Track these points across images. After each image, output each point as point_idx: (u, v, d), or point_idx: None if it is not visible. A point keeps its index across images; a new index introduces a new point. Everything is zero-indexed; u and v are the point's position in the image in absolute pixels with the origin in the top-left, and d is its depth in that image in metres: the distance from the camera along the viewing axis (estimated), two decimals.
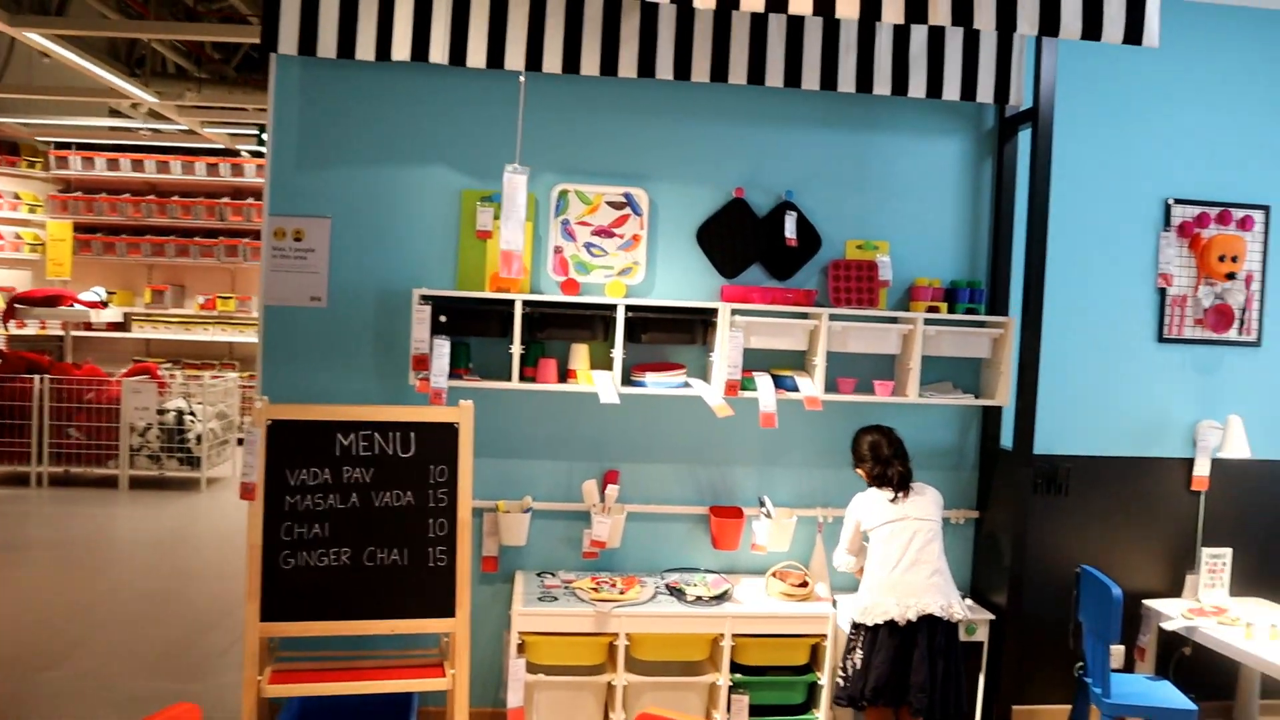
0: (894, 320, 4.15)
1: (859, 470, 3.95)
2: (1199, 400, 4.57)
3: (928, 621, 3.63)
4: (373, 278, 4.06)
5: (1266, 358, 4.60)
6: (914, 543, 3.73)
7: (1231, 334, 4.54)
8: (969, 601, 4.25)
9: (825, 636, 3.93)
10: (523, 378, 3.95)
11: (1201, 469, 4.53)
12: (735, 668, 3.89)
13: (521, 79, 3.78)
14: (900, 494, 3.79)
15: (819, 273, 4.29)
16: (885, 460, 3.86)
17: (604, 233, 4.16)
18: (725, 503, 4.31)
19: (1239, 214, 4.50)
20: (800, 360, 4.25)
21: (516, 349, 3.89)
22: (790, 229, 4.19)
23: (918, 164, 4.33)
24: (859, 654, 3.69)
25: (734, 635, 3.86)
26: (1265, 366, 4.61)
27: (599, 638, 3.81)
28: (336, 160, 4.03)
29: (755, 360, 4.16)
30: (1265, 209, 4.54)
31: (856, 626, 3.72)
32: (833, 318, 4.07)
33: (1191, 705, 3.87)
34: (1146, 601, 4.45)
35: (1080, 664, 4.19)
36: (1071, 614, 4.24)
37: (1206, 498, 4.60)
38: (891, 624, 3.62)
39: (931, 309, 4.17)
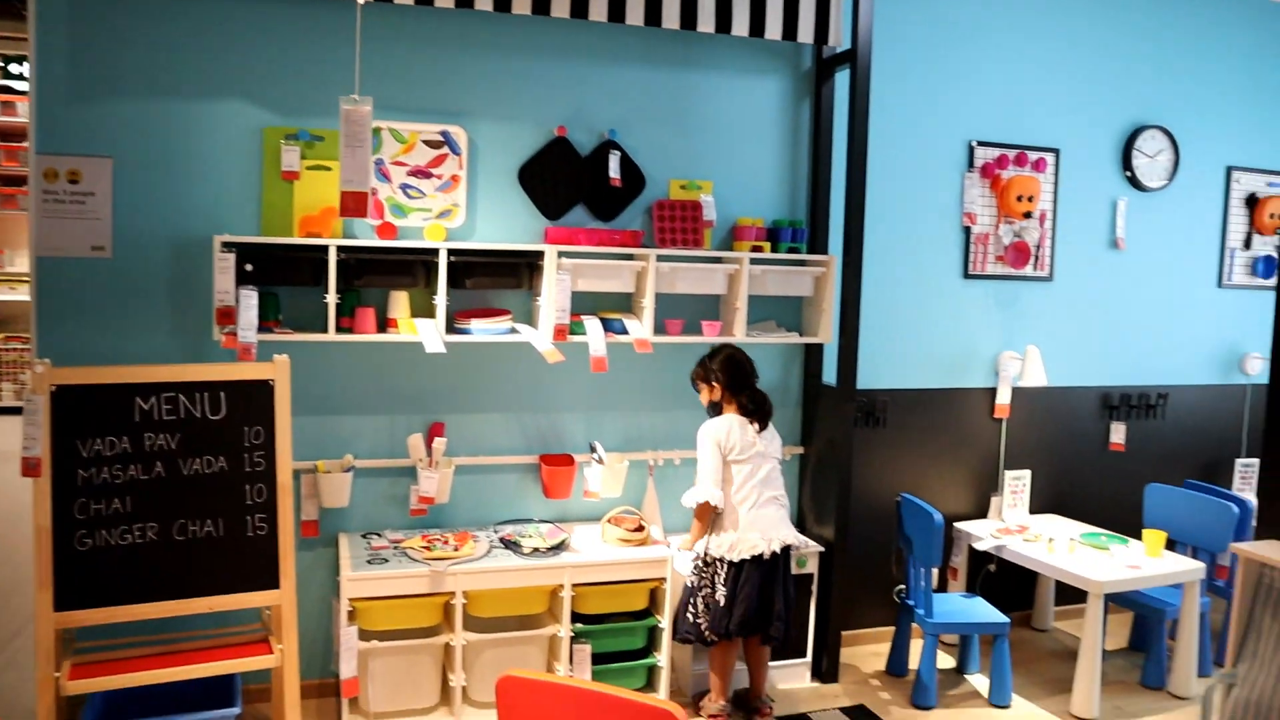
0: (719, 260, 4.14)
1: (709, 393, 3.87)
2: (1001, 333, 4.83)
3: (783, 553, 3.71)
4: (166, 224, 3.67)
5: (1058, 291, 4.91)
6: (771, 476, 3.77)
7: (1028, 270, 4.81)
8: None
9: (664, 580, 3.92)
10: (339, 328, 3.69)
11: (1003, 397, 4.80)
12: (575, 618, 3.83)
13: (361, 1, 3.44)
14: (762, 427, 3.81)
15: (643, 213, 4.22)
16: (747, 382, 3.84)
17: (421, 173, 3.92)
18: (556, 450, 4.22)
19: (1033, 156, 4.76)
20: (628, 303, 4.18)
21: (332, 298, 3.62)
22: (614, 169, 4.09)
23: (739, 103, 4.32)
24: (721, 589, 3.70)
25: (573, 585, 3.79)
26: (1057, 300, 4.92)
27: (434, 598, 3.65)
28: (117, 93, 3.59)
29: (583, 304, 4.06)
30: (1055, 152, 4.81)
31: (715, 562, 3.72)
32: (660, 259, 4.02)
33: (1004, 617, 4.12)
34: (958, 524, 4.70)
35: (900, 587, 4.38)
36: (894, 541, 4.42)
37: (1008, 424, 4.88)
38: (758, 558, 3.66)
39: (755, 249, 4.19)
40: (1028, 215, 4.70)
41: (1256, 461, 5.42)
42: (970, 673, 4.44)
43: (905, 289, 4.62)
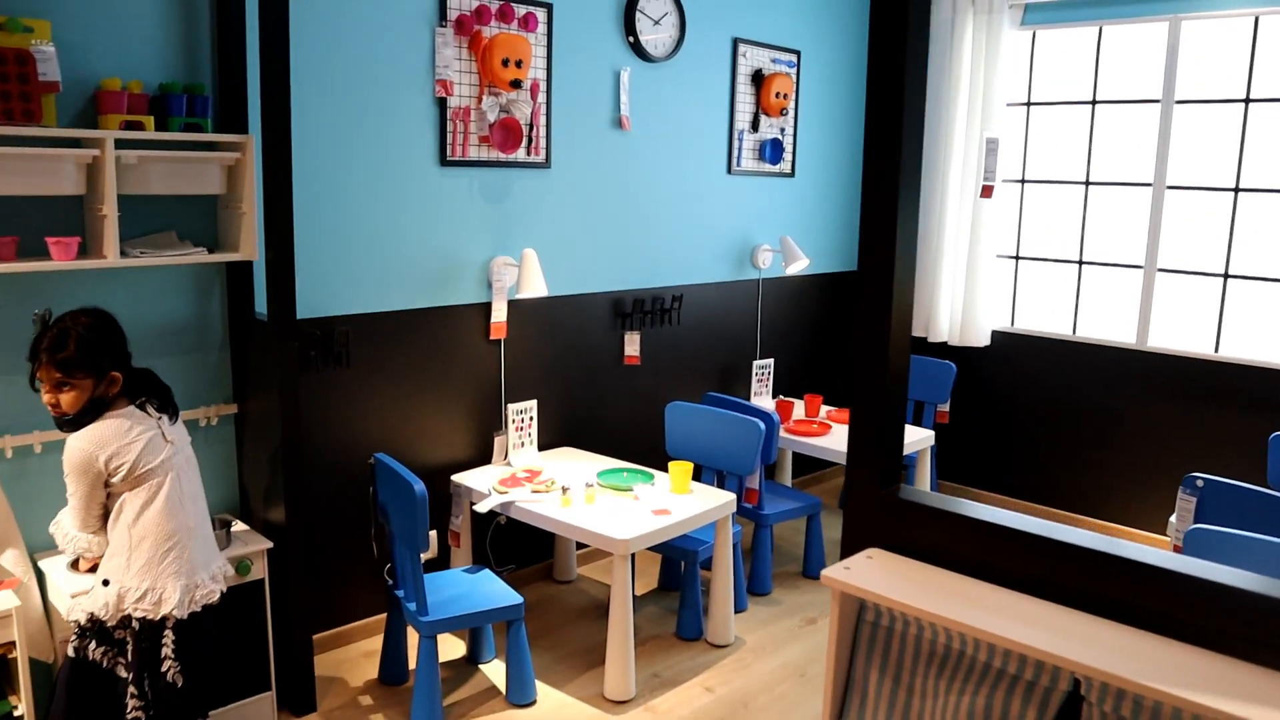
0: (73, 144, 2.72)
1: (80, 392, 2.41)
2: (492, 233, 3.88)
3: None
4: None
5: (557, 181, 4.06)
6: (187, 488, 2.53)
7: (520, 154, 3.89)
8: (241, 526, 3.15)
9: (14, 645, 2.53)
10: None
11: (498, 314, 3.89)
12: None
13: None
14: (168, 416, 2.54)
15: None
16: (137, 368, 2.56)
17: None
18: None
19: (521, 10, 3.79)
20: None
21: None
22: None
23: None
24: (171, 663, 2.45)
25: None
26: (556, 191, 4.06)
27: None
28: None
29: None
30: (548, 7, 3.88)
31: (141, 625, 2.43)
32: None
33: (516, 598, 3.26)
34: (456, 478, 3.76)
35: (390, 564, 3.38)
36: (371, 515, 3.37)
37: (507, 346, 4.00)
38: (206, 607, 2.55)
39: (131, 125, 2.80)
40: (516, 85, 3.74)
41: (771, 362, 5.08)
42: (486, 661, 3.57)
43: (365, 182, 3.48)
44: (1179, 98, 4.59)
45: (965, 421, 5.45)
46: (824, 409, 4.93)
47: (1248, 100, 4.46)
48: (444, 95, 3.60)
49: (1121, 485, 4.90)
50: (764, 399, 5.05)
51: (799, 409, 4.92)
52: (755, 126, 4.84)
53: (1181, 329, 4.83)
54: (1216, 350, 4.65)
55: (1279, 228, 4.52)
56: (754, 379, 5.01)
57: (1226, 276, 4.60)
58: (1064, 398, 5.04)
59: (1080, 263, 4.99)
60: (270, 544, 3.05)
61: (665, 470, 3.84)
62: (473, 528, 3.85)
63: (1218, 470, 4.59)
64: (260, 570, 3.05)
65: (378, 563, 3.64)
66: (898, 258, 2.04)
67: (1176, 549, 3.47)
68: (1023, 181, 5.21)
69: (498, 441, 3.95)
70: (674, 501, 3.57)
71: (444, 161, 3.65)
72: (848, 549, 2.21)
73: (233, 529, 3.08)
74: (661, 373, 4.64)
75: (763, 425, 3.91)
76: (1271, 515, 3.18)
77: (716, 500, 3.62)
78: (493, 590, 3.32)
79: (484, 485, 3.66)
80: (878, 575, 2.03)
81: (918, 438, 4.55)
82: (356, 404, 3.55)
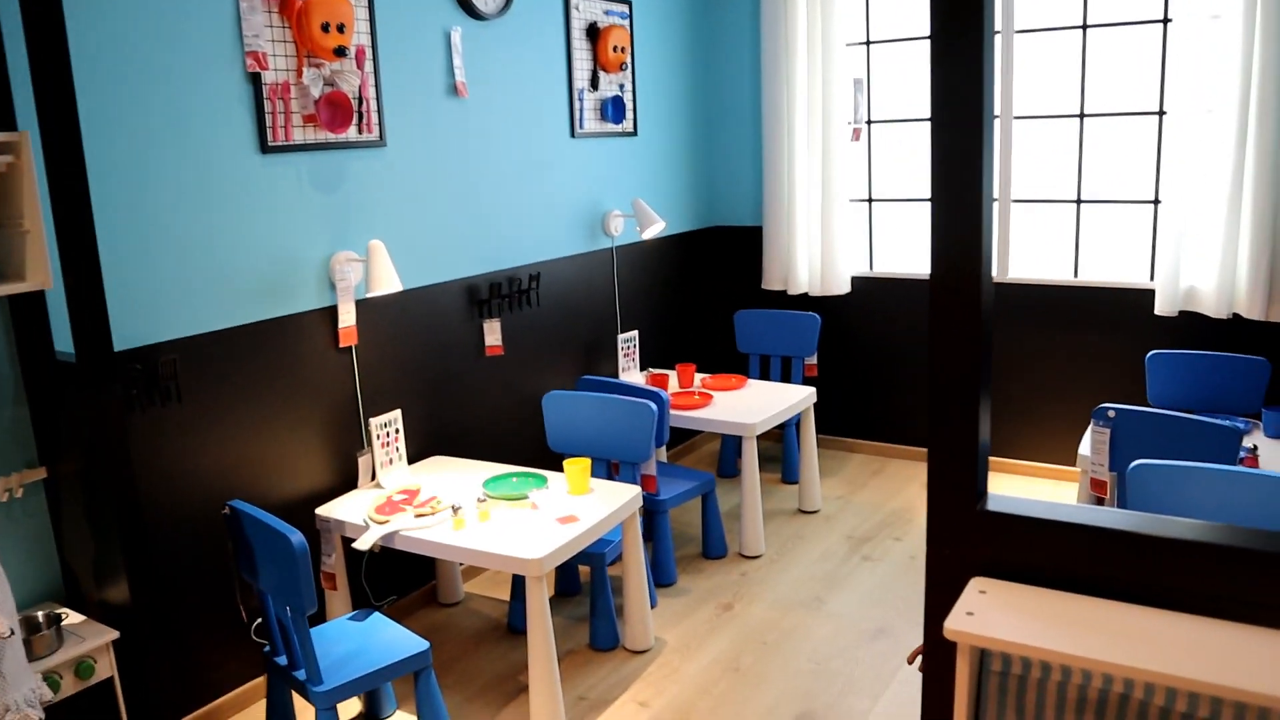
0: None
1: None
2: (329, 226, 3.36)
3: None
4: None
5: (394, 160, 3.57)
6: None
7: (352, 133, 3.37)
8: (74, 618, 2.57)
9: None
10: None
11: (346, 318, 3.39)
12: None
13: None
14: None
15: None
16: None
17: None
18: None
19: None
20: None
21: None
22: None
23: None
24: None
25: None
26: (395, 171, 3.58)
27: None
28: None
29: None
30: None
31: None
32: None
33: (420, 643, 2.83)
34: (322, 510, 3.26)
35: (259, 620, 2.88)
36: (234, 573, 2.85)
37: (360, 353, 3.51)
38: None
39: None
40: (340, 53, 3.21)
41: (635, 335, 4.77)
42: (387, 715, 3.12)
43: (168, 178, 2.89)
44: (1019, 27, 4.54)
45: (835, 373, 5.33)
46: (698, 378, 4.67)
47: (1085, 26, 4.46)
48: (256, 69, 3.04)
49: (1003, 420, 4.90)
50: (633, 374, 4.74)
51: (673, 381, 4.64)
52: (595, 84, 4.46)
53: (1040, 258, 4.85)
54: (1075, 275, 4.68)
55: (1125, 151, 4.58)
56: (620, 354, 4.69)
57: (1079, 202, 4.62)
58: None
59: (933, 200, 4.90)
60: (115, 633, 2.50)
61: (556, 469, 3.47)
62: (347, 564, 3.36)
63: (1096, 394, 4.64)
64: (106, 667, 2.49)
65: (246, 625, 3.11)
66: (981, 262, 1.68)
67: (1096, 483, 3.41)
68: (869, 122, 5.07)
69: (362, 462, 3.47)
70: (576, 505, 3.21)
71: (265, 148, 3.10)
72: (938, 581, 1.79)
73: (63, 623, 2.50)
74: (527, 360, 4.24)
75: (654, 406, 3.60)
76: (1191, 440, 3.15)
77: (622, 497, 3.28)
78: (391, 639, 2.87)
79: (357, 515, 3.18)
80: (1004, 617, 1.60)
81: (800, 396, 4.36)
82: (194, 445, 2.99)
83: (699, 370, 5.22)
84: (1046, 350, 4.70)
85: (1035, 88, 4.65)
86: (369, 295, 3.42)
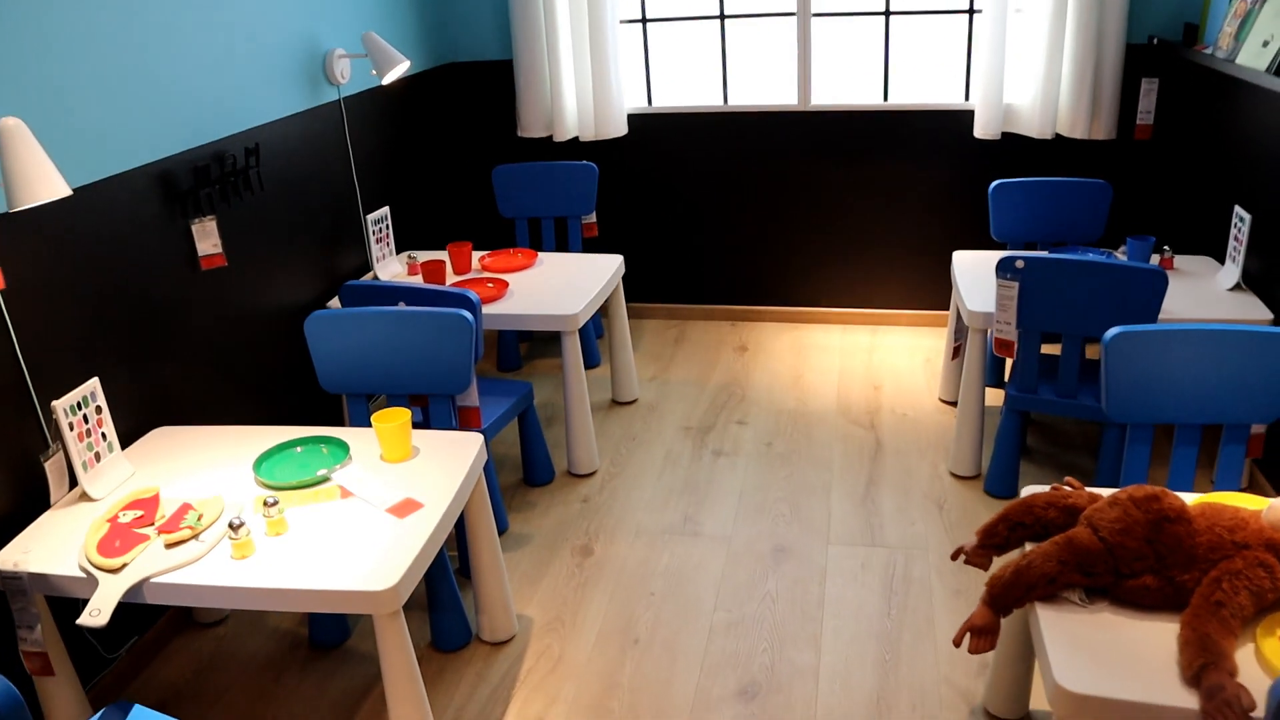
0: None
1: None
2: None
3: None
4: None
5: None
6: None
7: None
8: None
9: None
10: None
11: None
12: None
13: None
14: None
15: None
16: None
17: None
18: None
19: None
20: None
21: None
22: None
23: None
24: None
25: None
26: (19, 5, 2.24)
27: None
28: None
29: None
30: None
31: None
32: None
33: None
34: (1, 558, 2.08)
35: None
36: None
37: (13, 302, 2.25)
38: None
39: None
40: None
41: (386, 211, 3.69)
42: None
43: None
44: None
45: (617, 231, 4.53)
46: (475, 257, 3.71)
47: None
48: None
49: (819, 266, 4.35)
50: (390, 264, 3.69)
51: (448, 269, 3.66)
52: None
53: (844, 82, 4.25)
54: (885, 99, 4.12)
55: None
56: (371, 240, 3.60)
57: (888, 14, 4.01)
58: (730, 181, 4.28)
59: (721, 17, 4.11)
60: None
61: (336, 420, 2.49)
62: (56, 618, 2.22)
63: (918, 232, 4.20)
64: None
65: None
66: None
67: (1001, 343, 2.93)
68: None
69: (51, 468, 2.27)
70: (404, 479, 2.27)
71: None
72: None
73: None
74: (260, 267, 3.09)
75: (469, 316, 2.65)
76: (1114, 290, 2.72)
77: (462, 453, 2.37)
78: None
79: (65, 560, 2.05)
80: None
81: (611, 267, 3.56)
82: None
83: (476, 248, 4.24)
84: (860, 183, 4.17)
85: None
86: (13, 210, 2.15)
